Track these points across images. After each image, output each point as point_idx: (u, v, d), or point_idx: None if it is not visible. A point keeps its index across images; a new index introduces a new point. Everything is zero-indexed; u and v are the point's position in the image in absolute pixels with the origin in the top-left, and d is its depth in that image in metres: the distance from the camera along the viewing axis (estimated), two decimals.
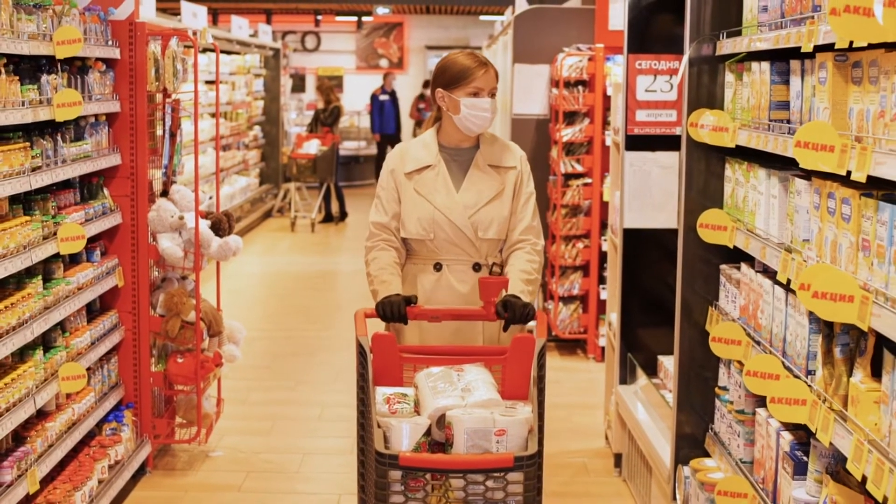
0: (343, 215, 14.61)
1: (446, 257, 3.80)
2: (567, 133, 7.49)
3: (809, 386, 2.87)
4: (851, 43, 2.43)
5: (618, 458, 5.33)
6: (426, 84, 19.96)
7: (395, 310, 3.54)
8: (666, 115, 5.03)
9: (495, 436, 3.03)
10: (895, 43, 2.35)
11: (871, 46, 2.48)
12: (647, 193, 5.09)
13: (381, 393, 3.22)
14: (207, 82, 11.26)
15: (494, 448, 3.03)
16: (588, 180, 7.51)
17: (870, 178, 2.44)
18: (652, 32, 5.12)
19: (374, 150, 19.07)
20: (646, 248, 5.23)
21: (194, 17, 11.15)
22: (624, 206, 5.15)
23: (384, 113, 18.08)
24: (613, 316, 5.50)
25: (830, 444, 2.71)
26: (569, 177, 7.58)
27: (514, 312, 3.50)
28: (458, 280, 3.79)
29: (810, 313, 2.91)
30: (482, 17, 20.49)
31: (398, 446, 3.05)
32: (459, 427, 3.03)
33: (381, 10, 20.78)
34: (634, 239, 5.24)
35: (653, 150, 5.08)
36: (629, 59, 5.06)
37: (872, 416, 2.50)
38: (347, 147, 18.53)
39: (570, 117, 7.59)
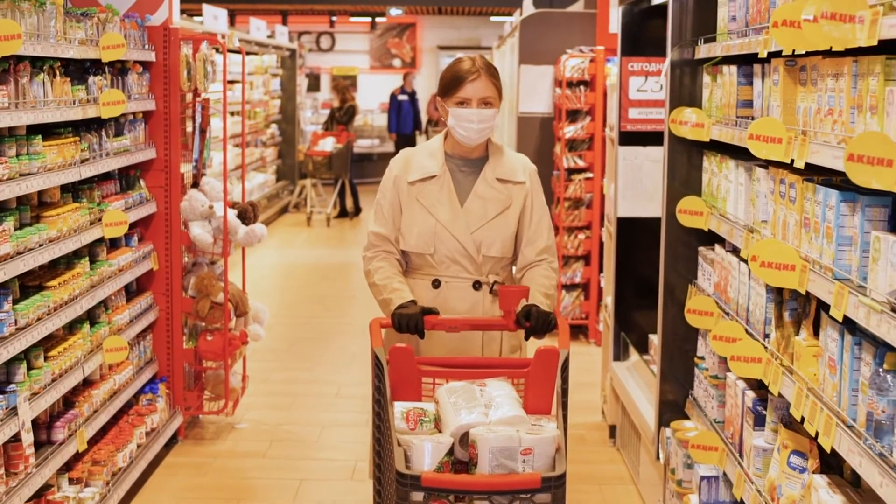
0: (357, 210, 15.06)
1: (446, 274, 3.64)
2: (569, 130, 7.94)
3: (764, 346, 3.31)
4: (794, 50, 2.87)
5: (612, 430, 5.77)
6: None
7: (411, 321, 3.38)
8: (656, 112, 5.47)
9: (521, 455, 2.89)
10: (831, 51, 2.79)
11: (811, 53, 2.92)
12: (640, 185, 5.53)
13: (399, 408, 3.08)
14: (230, 82, 11.70)
15: (520, 468, 2.88)
16: (589, 175, 7.96)
17: (817, 166, 2.87)
18: (644, 37, 5.56)
19: (387, 148, 19.51)
20: (638, 235, 5.67)
21: (215, 20, 11.63)
22: (618, 196, 5.59)
23: (402, 113, 18.16)
24: (609, 299, 5.94)
25: (780, 394, 3.15)
26: (571, 172, 8.02)
27: (536, 321, 3.38)
28: (457, 298, 3.63)
29: (767, 284, 3.35)
30: (493, 18, 20.91)
31: (420, 466, 2.89)
32: (484, 446, 2.88)
33: (395, 11, 21.23)
34: (628, 227, 5.68)
35: (644, 145, 5.52)
36: (622, 61, 5.50)
37: (812, 368, 2.94)
38: (361, 145, 18.96)
39: (573, 115, 8.03)
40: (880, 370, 2.45)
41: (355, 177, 15.82)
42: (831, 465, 3.06)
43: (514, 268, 3.77)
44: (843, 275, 2.67)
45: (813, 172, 3.03)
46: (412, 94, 18.50)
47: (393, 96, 18.41)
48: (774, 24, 2.81)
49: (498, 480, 2.81)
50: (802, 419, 2.88)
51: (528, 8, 9.15)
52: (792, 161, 2.97)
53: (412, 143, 17.39)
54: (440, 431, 3.05)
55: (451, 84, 3.60)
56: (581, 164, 7.96)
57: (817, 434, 2.76)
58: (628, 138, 5.56)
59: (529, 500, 2.80)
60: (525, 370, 3.27)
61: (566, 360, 3.15)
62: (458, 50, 21.74)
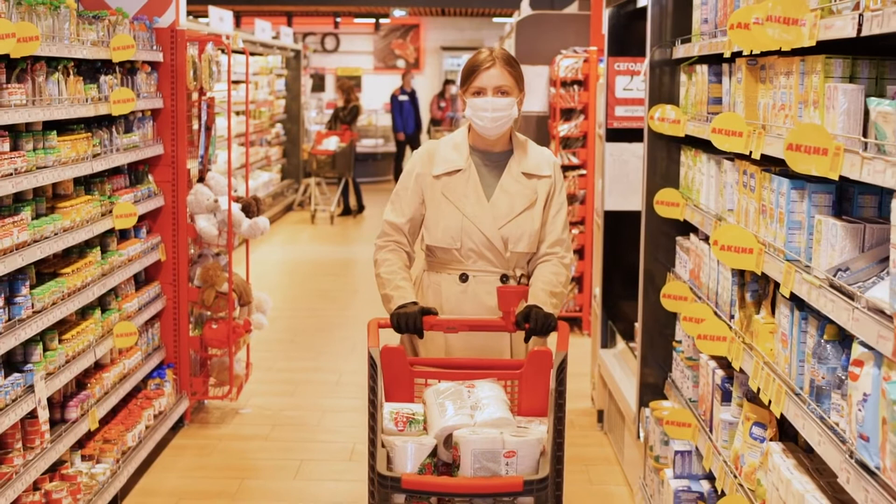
0: (360, 208, 15.31)
1: (473, 268, 3.61)
2: (564, 129, 8.18)
3: (729, 326, 3.56)
4: (752, 50, 3.12)
5: (600, 414, 6.02)
6: (447, 82, 20.63)
7: (410, 321, 3.35)
8: (641, 110, 5.71)
9: (504, 457, 2.86)
10: (785, 51, 3.03)
11: (769, 53, 3.16)
12: (625, 179, 5.78)
13: (388, 409, 3.07)
14: (235, 82, 11.96)
15: (503, 471, 2.85)
16: (583, 171, 8.20)
17: (779, 158, 3.11)
18: (630, 38, 5.81)
19: (390, 148, 19.76)
20: (625, 228, 5.90)
21: (221, 21, 11.89)
22: (605, 190, 5.84)
23: (403, 112, 18.43)
24: (597, 289, 6.19)
25: (741, 369, 3.40)
26: (565, 168, 8.27)
27: (535, 323, 3.33)
28: (485, 292, 3.59)
29: (732, 268, 3.59)
30: (495, 20, 21.15)
31: (402, 468, 2.89)
32: (466, 448, 2.86)
33: (398, 13, 21.47)
34: (615, 220, 5.93)
35: (630, 141, 5.77)
36: (609, 61, 5.75)
37: (768, 343, 3.18)
38: (365, 144, 19.20)
39: (567, 114, 8.28)
40: (822, 341, 2.70)
41: (358, 176, 16.07)
42: (790, 435, 3.30)
43: None
44: (793, 256, 2.92)
45: (774, 164, 3.28)
46: (412, 94, 18.70)
47: (394, 97, 18.58)
48: (731, 27, 3.06)
49: (479, 483, 2.80)
50: (758, 390, 3.13)
51: (526, 10, 9.39)
52: (750, 153, 3.22)
53: (417, 143, 17.64)
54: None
55: (467, 74, 3.59)
56: (575, 161, 8.21)
57: (770, 402, 3.01)
58: (615, 135, 5.82)
59: (511, 503, 2.80)
60: (518, 372, 3.24)
61: (562, 362, 3.07)
62: (461, 50, 22.01)
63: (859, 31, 2.33)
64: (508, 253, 3.59)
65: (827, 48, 2.76)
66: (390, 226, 3.66)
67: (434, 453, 2.93)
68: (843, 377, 2.54)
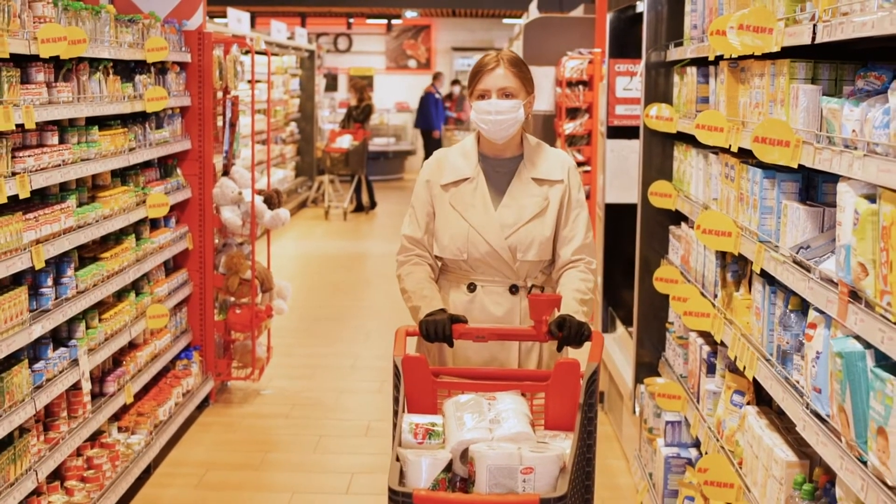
0: (373, 205, 15.67)
1: (481, 278, 3.49)
2: (569, 127, 8.55)
3: (712, 304, 3.92)
4: (731, 54, 3.48)
5: (601, 396, 6.38)
6: (453, 83, 21.00)
7: (439, 329, 3.22)
8: (639, 109, 6.05)
9: (521, 474, 2.73)
10: (760, 54, 3.39)
11: (747, 56, 3.52)
12: (625, 174, 6.14)
13: (408, 421, 2.96)
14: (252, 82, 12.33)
15: (520, 488, 2.72)
16: (587, 168, 8.56)
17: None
18: (630, 41, 6.17)
19: (402, 147, 20.14)
20: (625, 219, 6.25)
21: (238, 22, 12.28)
22: (606, 185, 6.20)
23: (439, 111, 18.61)
24: (598, 278, 6.55)
25: (722, 342, 3.76)
26: None
27: (569, 332, 3.17)
28: (492, 302, 3.48)
29: (716, 251, 3.95)
30: (504, 21, 21.51)
31: (415, 483, 2.76)
32: (482, 463, 2.74)
33: (410, 14, 21.82)
34: (615, 212, 6.30)
35: (629, 138, 6.13)
36: (610, 62, 6.12)
37: (745, 317, 3.54)
38: (377, 143, 19.54)
39: (573, 113, 8.64)
40: (787, 311, 3.06)
41: (371, 174, 16.43)
42: (766, 401, 3.66)
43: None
44: (766, 238, 3.28)
45: (753, 157, 3.63)
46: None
47: (430, 95, 18.70)
48: (711, 33, 3.43)
49: (493, 500, 2.68)
50: (736, 358, 3.49)
51: (534, 12, 9.76)
52: (730, 146, 3.58)
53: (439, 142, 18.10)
54: None
55: (472, 77, 3.49)
56: (580, 157, 8.57)
57: (745, 368, 3.37)
58: (615, 132, 6.18)
59: None
60: (545, 384, 3.11)
61: (593, 374, 2.94)
62: (472, 51, 22.36)
63: (813, 38, 2.69)
64: (517, 263, 3.46)
65: (797, 53, 3.12)
66: (409, 240, 3.56)
67: (449, 468, 2.81)
68: (803, 341, 2.90)
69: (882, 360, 2.33)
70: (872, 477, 2.30)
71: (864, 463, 2.36)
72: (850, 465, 2.42)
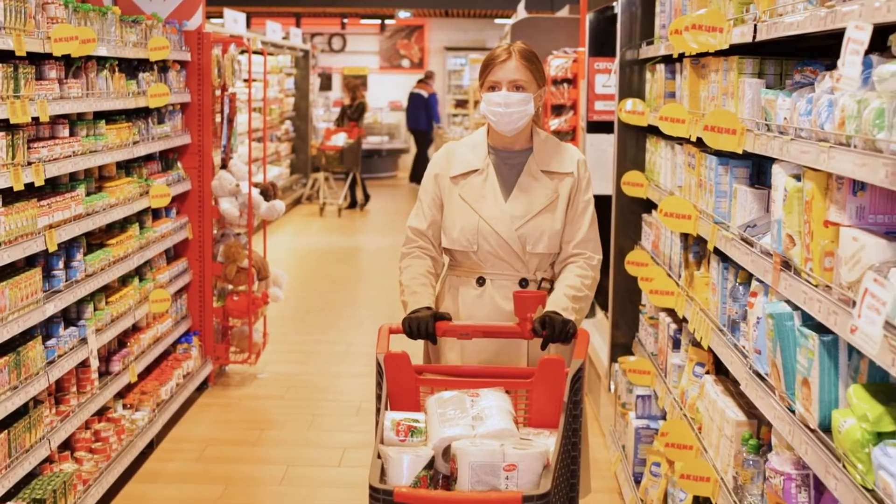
0: (367, 199, 15.94)
1: (490, 271, 3.49)
2: (554, 123, 8.86)
3: (677, 283, 4.24)
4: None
5: None
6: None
7: (422, 326, 3.24)
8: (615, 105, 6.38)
9: (504, 471, 2.71)
10: (719, 51, 3.71)
11: (707, 54, 3.83)
12: (604, 167, 6.44)
13: (391, 418, 2.95)
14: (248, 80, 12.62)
15: (503, 485, 2.71)
16: None
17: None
18: (609, 40, 6.46)
19: (396, 145, 20.44)
20: (604, 210, 6.55)
21: (235, 23, 12.58)
22: None
23: (430, 110, 18.92)
24: None
25: (684, 317, 4.07)
26: None
27: (552, 329, 3.16)
28: (502, 296, 3.47)
29: (680, 234, 4.27)
30: (496, 21, 21.82)
31: (396, 480, 2.74)
32: (464, 460, 2.73)
33: (403, 14, 22.10)
34: (595, 203, 6.58)
35: (608, 132, 6.43)
36: (590, 60, 6.44)
37: (704, 293, 3.86)
38: (371, 141, 19.83)
39: (558, 109, 8.95)
40: (736, 284, 3.38)
41: (364, 172, 16.72)
42: (725, 371, 3.97)
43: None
44: (720, 219, 3.60)
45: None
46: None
47: (433, 95, 19.00)
48: (671, 32, 3.75)
49: (475, 497, 2.67)
50: (694, 330, 3.81)
51: (521, 13, 10.07)
52: (690, 136, 3.89)
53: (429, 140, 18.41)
54: None
55: (483, 69, 3.49)
56: None
57: (701, 339, 3.69)
58: (595, 127, 6.50)
59: None
60: (529, 381, 3.09)
61: (578, 371, 2.95)
62: (465, 51, 22.67)
63: (754, 36, 3.01)
64: (527, 255, 3.47)
65: (749, 50, 3.43)
66: (414, 231, 3.57)
67: (431, 465, 2.80)
68: (748, 309, 3.22)
69: (808, 321, 2.65)
70: (798, 422, 2.61)
71: (793, 412, 2.68)
72: (782, 413, 2.73)
